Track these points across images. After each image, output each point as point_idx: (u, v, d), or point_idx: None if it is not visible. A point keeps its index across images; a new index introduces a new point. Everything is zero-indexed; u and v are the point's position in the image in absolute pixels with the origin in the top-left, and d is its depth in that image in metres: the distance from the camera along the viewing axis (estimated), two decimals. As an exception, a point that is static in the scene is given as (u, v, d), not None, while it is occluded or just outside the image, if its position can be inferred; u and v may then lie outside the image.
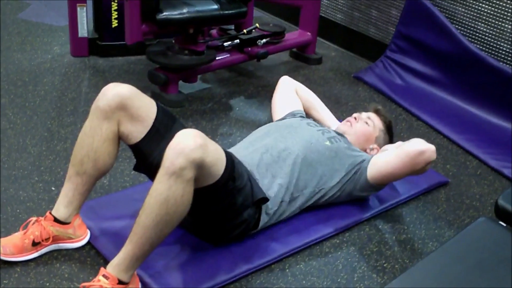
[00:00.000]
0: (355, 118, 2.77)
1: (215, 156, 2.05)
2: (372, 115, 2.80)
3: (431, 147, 2.47)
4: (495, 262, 1.85)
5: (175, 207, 1.95)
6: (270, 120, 3.01)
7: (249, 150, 2.44)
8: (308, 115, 2.92)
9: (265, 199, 2.30)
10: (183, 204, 1.96)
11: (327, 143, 2.51)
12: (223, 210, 2.22)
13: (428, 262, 1.89)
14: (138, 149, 2.25)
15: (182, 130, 2.02)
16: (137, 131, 2.21)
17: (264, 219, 2.35)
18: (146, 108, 2.24)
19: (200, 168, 1.97)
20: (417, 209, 2.70)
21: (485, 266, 1.84)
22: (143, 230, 1.97)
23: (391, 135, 2.83)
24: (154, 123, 2.22)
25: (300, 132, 2.54)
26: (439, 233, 2.56)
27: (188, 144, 1.94)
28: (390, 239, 2.51)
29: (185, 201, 1.97)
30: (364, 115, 2.79)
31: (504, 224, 2.04)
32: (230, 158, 2.15)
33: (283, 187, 2.37)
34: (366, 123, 2.75)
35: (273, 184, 2.35)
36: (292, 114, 2.80)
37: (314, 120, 2.88)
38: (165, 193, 1.93)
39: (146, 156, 2.24)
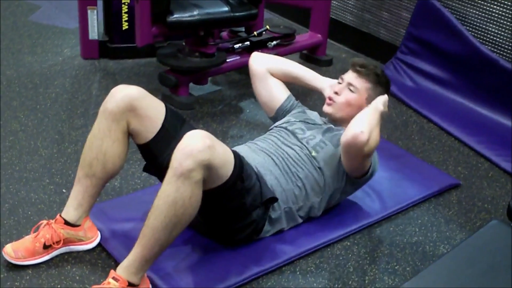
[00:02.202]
0: (337, 93, 2.54)
1: (223, 157, 2.05)
2: (352, 77, 2.53)
3: (354, 128, 2.25)
4: (508, 265, 1.84)
5: (184, 209, 1.95)
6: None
7: (252, 155, 2.40)
8: (297, 86, 2.79)
9: (274, 199, 2.29)
10: (191, 205, 1.97)
11: (314, 153, 2.43)
12: (233, 211, 2.22)
13: (439, 265, 1.88)
14: (148, 149, 2.26)
15: (190, 132, 2.02)
16: (147, 131, 2.22)
17: (266, 227, 2.34)
18: (155, 108, 2.24)
19: (208, 169, 1.98)
20: (428, 212, 2.69)
21: (497, 269, 1.83)
22: (152, 232, 1.97)
23: (383, 84, 2.55)
24: (163, 123, 2.22)
25: (292, 144, 2.47)
26: (451, 236, 2.55)
27: (196, 146, 1.94)
28: (401, 241, 2.50)
29: (194, 203, 1.97)
30: (345, 80, 2.54)
31: (517, 227, 2.03)
32: (238, 159, 2.15)
33: (285, 193, 2.35)
34: (349, 91, 2.52)
35: (276, 190, 2.33)
36: (282, 110, 2.68)
37: (305, 88, 2.78)
38: (173, 195, 1.93)
39: (155, 156, 2.24)
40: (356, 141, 2.24)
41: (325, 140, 2.48)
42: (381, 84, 2.54)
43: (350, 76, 2.55)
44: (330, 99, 2.56)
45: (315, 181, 2.41)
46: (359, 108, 2.46)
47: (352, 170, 2.42)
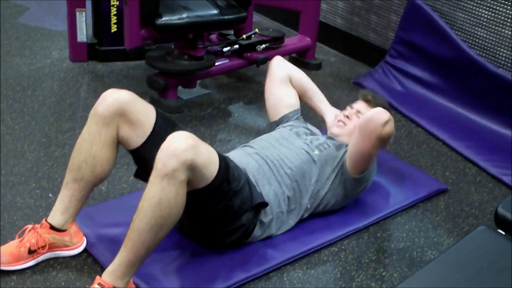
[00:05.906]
0: (347, 117, 2.68)
1: (207, 157, 2.05)
2: (362, 106, 2.69)
3: (379, 109, 2.37)
4: (495, 271, 1.84)
5: (169, 210, 1.95)
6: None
7: (246, 159, 2.42)
8: (302, 102, 2.87)
9: (265, 204, 2.29)
10: (176, 206, 1.97)
11: (316, 152, 2.49)
12: (221, 213, 2.21)
13: (427, 271, 1.88)
14: (139, 154, 2.25)
15: (173, 133, 2.02)
16: (137, 136, 2.21)
17: (257, 231, 2.34)
18: (145, 113, 2.23)
19: (192, 169, 1.98)
20: (416, 217, 2.69)
21: (485, 275, 1.83)
22: (138, 234, 1.97)
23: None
24: (154, 128, 2.21)
25: (291, 144, 2.52)
26: (438, 241, 2.55)
27: (179, 146, 1.94)
28: (389, 247, 2.49)
29: (179, 203, 1.97)
30: (354, 108, 2.70)
31: (504, 233, 2.03)
32: (224, 160, 2.15)
33: (278, 198, 2.36)
34: (358, 118, 2.63)
35: (269, 194, 2.34)
36: (287, 118, 2.75)
37: (308, 106, 2.90)
38: (158, 196, 1.93)
39: (146, 161, 2.22)
40: (378, 115, 2.33)
41: (329, 142, 2.56)
42: None
43: (359, 105, 2.70)
44: (341, 120, 2.68)
45: (310, 181, 2.43)
46: None
47: (358, 159, 2.43)
